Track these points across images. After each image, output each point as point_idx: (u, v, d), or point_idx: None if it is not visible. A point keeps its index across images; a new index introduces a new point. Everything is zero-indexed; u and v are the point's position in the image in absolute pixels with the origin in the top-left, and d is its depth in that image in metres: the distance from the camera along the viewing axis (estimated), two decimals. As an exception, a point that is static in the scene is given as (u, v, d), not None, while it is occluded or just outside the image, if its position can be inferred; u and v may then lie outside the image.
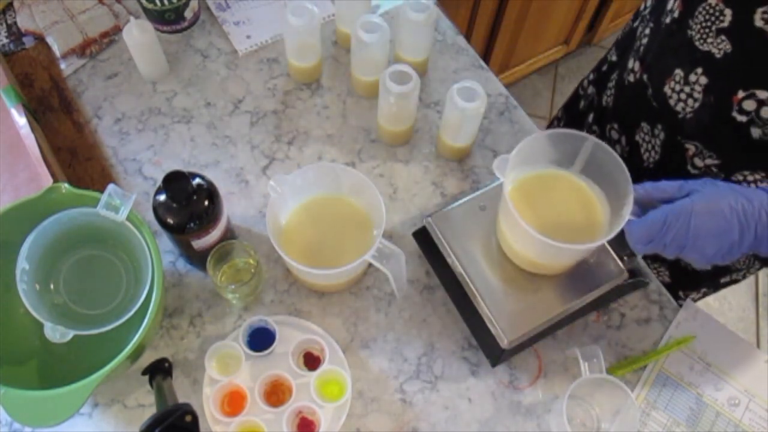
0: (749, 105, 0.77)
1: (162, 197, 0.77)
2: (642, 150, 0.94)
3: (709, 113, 0.81)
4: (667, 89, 0.86)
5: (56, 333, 0.72)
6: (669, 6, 0.83)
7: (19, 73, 1.03)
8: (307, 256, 0.84)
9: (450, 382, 0.84)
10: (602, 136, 1.02)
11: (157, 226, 0.79)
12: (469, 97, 0.88)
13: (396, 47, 1.03)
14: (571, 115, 1.18)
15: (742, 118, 0.78)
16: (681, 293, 1.06)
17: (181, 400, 0.71)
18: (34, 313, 0.72)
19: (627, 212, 0.71)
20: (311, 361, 0.84)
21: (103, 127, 1.00)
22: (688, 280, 1.04)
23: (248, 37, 1.08)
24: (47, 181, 0.84)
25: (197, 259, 0.85)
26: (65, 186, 0.78)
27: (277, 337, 0.83)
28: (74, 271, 0.82)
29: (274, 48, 1.07)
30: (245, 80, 1.04)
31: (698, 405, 0.85)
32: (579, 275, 0.82)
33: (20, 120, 0.90)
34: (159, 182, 0.76)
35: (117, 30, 1.06)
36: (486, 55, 1.90)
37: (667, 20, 0.83)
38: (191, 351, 0.85)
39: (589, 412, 0.83)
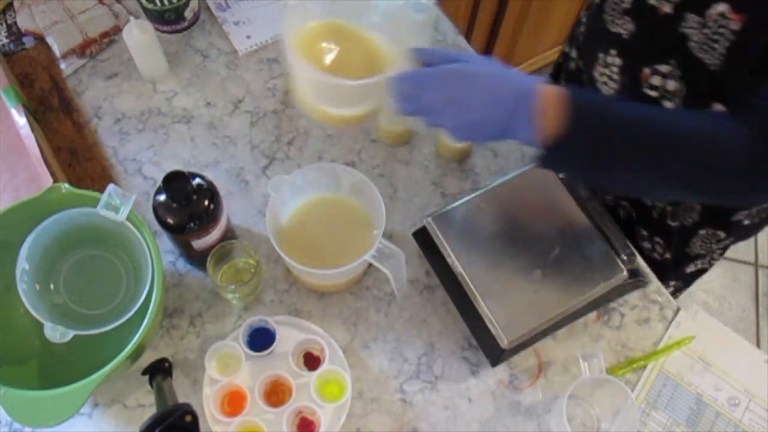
0: (656, 80, 0.80)
1: (162, 197, 0.77)
2: None
3: (627, 93, 0.85)
4: (595, 73, 0.91)
5: (56, 333, 0.72)
6: None
7: (19, 73, 1.03)
8: (307, 256, 0.84)
9: (450, 382, 0.84)
10: None
11: (157, 226, 0.79)
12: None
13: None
14: None
15: (654, 94, 0.82)
16: None
17: (181, 400, 0.71)
18: (34, 313, 0.72)
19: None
20: (311, 361, 0.84)
21: (103, 127, 1.00)
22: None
23: (248, 37, 1.08)
24: (47, 181, 0.84)
25: (197, 259, 0.85)
26: (65, 186, 0.78)
27: (277, 337, 0.83)
28: (74, 271, 0.82)
29: (274, 48, 1.07)
30: (245, 80, 1.04)
31: (698, 405, 0.85)
32: (579, 275, 0.82)
33: (20, 120, 0.90)
34: (159, 182, 0.76)
35: (117, 30, 1.06)
36: (486, 55, 1.90)
37: (594, 6, 0.88)
38: (191, 351, 0.85)
39: (589, 412, 0.83)
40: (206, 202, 0.78)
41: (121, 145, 0.98)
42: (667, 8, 0.74)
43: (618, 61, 0.85)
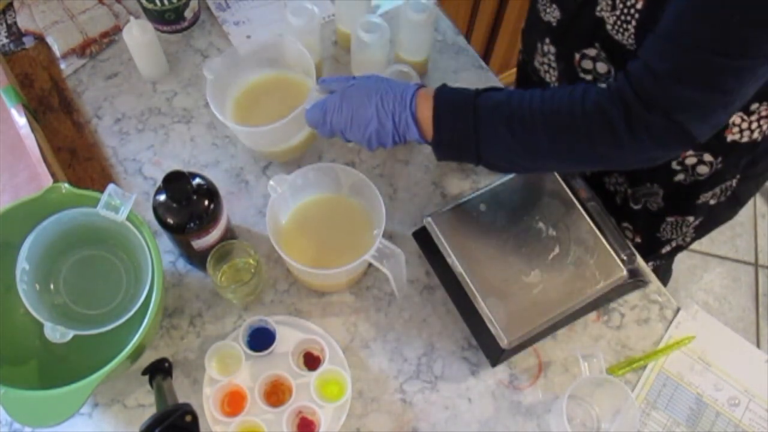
0: (587, 64, 0.84)
1: (162, 197, 0.77)
2: None
3: (566, 79, 0.89)
4: (536, 63, 0.96)
5: (56, 333, 0.72)
6: None
7: (19, 73, 1.03)
8: (307, 256, 0.84)
9: (450, 382, 0.84)
10: None
11: (157, 226, 0.79)
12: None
13: (396, 47, 1.03)
14: None
15: (588, 77, 0.85)
16: None
17: (181, 400, 0.71)
18: (34, 313, 0.72)
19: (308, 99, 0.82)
20: (311, 361, 0.84)
21: (103, 127, 1.00)
22: None
23: (248, 37, 1.08)
24: (47, 181, 0.84)
25: (197, 259, 0.85)
26: (65, 186, 0.78)
27: (277, 337, 0.83)
28: (74, 271, 0.82)
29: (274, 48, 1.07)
30: (245, 80, 1.04)
31: (698, 405, 0.85)
32: (579, 275, 0.82)
33: (20, 120, 0.90)
34: (159, 182, 0.76)
35: (117, 30, 1.06)
36: (486, 55, 1.90)
37: None
38: (191, 351, 0.85)
39: (589, 412, 0.83)
40: (206, 202, 0.78)
41: (121, 145, 0.98)
42: None
43: (553, 49, 0.89)
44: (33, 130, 0.89)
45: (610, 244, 0.83)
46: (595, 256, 0.83)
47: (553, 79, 0.92)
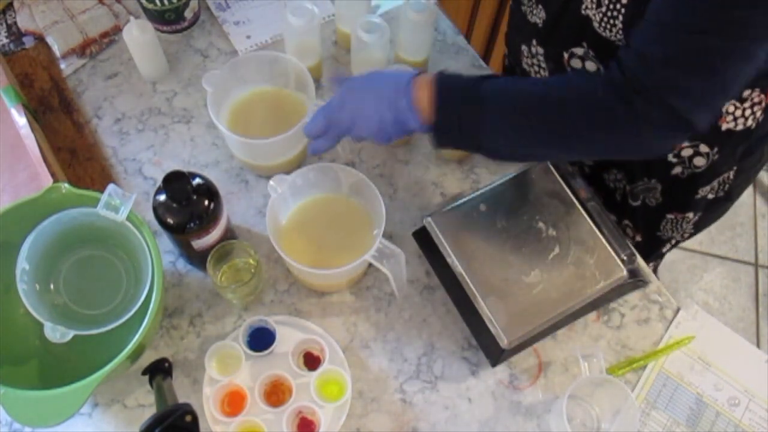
0: (576, 63, 0.84)
1: (162, 197, 0.77)
2: None
3: None
4: (524, 65, 0.95)
5: (56, 333, 0.72)
6: None
7: (19, 73, 1.03)
8: (307, 256, 0.84)
9: (450, 382, 0.84)
10: None
11: (157, 226, 0.79)
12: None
13: (396, 47, 1.03)
14: None
15: None
16: None
17: (181, 400, 0.71)
18: (34, 313, 0.72)
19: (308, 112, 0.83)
20: (311, 361, 0.84)
21: (103, 127, 1.00)
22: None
23: (248, 37, 1.08)
24: (47, 181, 0.84)
25: (197, 259, 0.85)
26: (65, 186, 0.78)
27: (277, 337, 0.83)
28: (74, 271, 0.82)
29: (274, 48, 1.07)
30: (245, 80, 1.04)
31: (698, 405, 0.85)
32: (579, 275, 0.82)
33: (20, 120, 0.90)
34: (159, 182, 0.76)
35: (117, 30, 1.06)
36: (486, 55, 1.90)
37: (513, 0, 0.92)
38: (191, 351, 0.85)
39: (589, 412, 0.83)
40: (206, 202, 0.78)
41: (121, 145, 0.98)
42: None
43: (540, 50, 0.89)
44: (33, 130, 0.89)
45: (610, 244, 0.83)
46: (595, 256, 0.83)
47: None
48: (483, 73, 0.79)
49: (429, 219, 0.85)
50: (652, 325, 0.89)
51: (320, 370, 0.81)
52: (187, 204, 0.77)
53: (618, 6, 0.71)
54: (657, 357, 0.86)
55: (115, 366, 0.70)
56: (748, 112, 0.82)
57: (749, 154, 0.90)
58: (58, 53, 1.04)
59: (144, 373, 0.78)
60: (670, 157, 0.89)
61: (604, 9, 0.73)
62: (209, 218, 0.79)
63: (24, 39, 1.06)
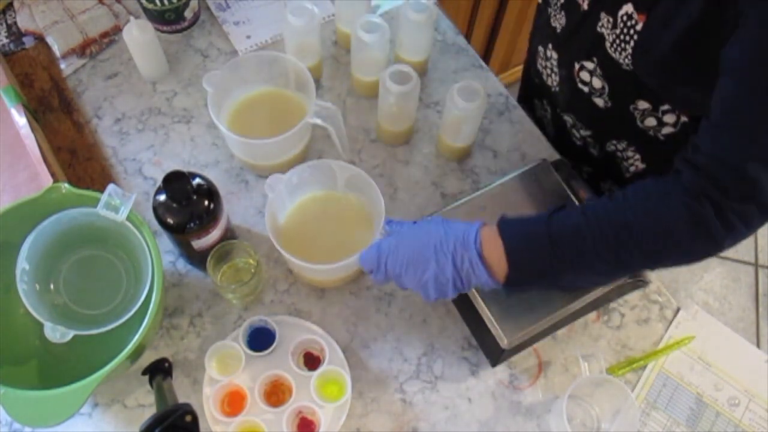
0: (585, 76, 0.83)
1: (162, 197, 0.77)
2: (544, 123, 1.04)
3: (566, 86, 0.89)
4: (539, 66, 0.95)
5: (56, 333, 0.72)
6: None
7: (19, 73, 1.03)
8: (307, 252, 0.84)
9: (450, 382, 0.84)
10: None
11: (157, 226, 0.79)
12: (469, 97, 0.88)
13: (396, 47, 1.03)
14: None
15: (585, 89, 0.84)
16: None
17: (181, 400, 0.71)
18: (34, 313, 0.72)
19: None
20: (311, 361, 0.84)
21: (103, 127, 1.00)
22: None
23: (248, 37, 1.08)
24: (47, 181, 0.84)
25: (197, 259, 0.85)
26: (65, 186, 0.78)
27: (277, 337, 0.83)
28: (74, 271, 0.82)
29: (274, 48, 1.07)
30: (245, 80, 1.04)
31: (698, 405, 0.85)
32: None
33: (20, 120, 0.90)
34: (159, 182, 0.76)
35: (117, 30, 1.06)
36: (486, 55, 1.90)
37: (542, 1, 0.91)
38: (191, 351, 0.85)
39: (589, 412, 0.83)
40: (206, 202, 0.78)
41: (121, 145, 0.98)
42: (585, 5, 0.77)
43: (555, 54, 0.88)
44: (33, 130, 0.89)
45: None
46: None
47: (555, 83, 0.92)
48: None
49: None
50: (652, 325, 0.89)
51: (320, 370, 0.81)
52: (187, 204, 0.77)
53: (632, 32, 0.70)
54: (657, 357, 0.86)
55: (115, 366, 0.70)
56: None
57: None
58: (58, 53, 1.04)
59: (144, 373, 0.78)
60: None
61: (618, 31, 0.72)
62: (209, 218, 0.79)
63: (24, 39, 1.06)
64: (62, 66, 1.04)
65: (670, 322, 0.89)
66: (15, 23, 1.06)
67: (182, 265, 0.90)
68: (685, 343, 0.87)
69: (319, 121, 0.87)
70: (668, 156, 0.68)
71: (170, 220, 0.77)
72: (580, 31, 0.80)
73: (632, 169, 0.89)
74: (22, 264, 0.74)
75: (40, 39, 1.05)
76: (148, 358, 0.80)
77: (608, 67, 0.78)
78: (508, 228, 0.69)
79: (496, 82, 1.06)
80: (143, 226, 0.77)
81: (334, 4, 1.10)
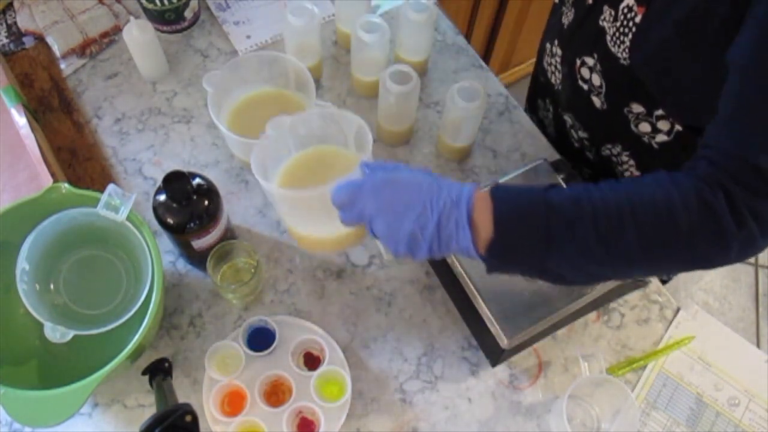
0: (585, 73, 0.83)
1: (162, 197, 0.77)
2: (546, 124, 1.04)
3: (568, 84, 0.88)
4: (545, 64, 0.96)
5: (56, 333, 0.72)
6: None
7: (19, 73, 1.03)
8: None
9: (450, 382, 0.84)
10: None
11: (157, 226, 0.79)
12: (469, 97, 0.88)
13: (396, 47, 1.03)
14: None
15: (585, 87, 0.84)
16: None
17: (181, 400, 0.71)
18: (34, 313, 0.72)
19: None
20: (311, 361, 0.84)
21: (103, 127, 1.00)
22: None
23: (248, 37, 1.08)
24: (47, 181, 0.84)
25: (197, 259, 0.85)
26: (65, 186, 0.78)
27: (277, 337, 0.83)
28: (74, 271, 0.82)
29: (274, 48, 1.07)
30: (245, 80, 1.04)
31: (698, 405, 0.85)
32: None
33: (20, 120, 0.90)
34: (159, 182, 0.76)
35: (117, 30, 1.06)
36: (486, 55, 1.90)
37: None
38: (191, 351, 0.85)
39: (589, 412, 0.83)
40: (206, 202, 0.78)
41: (121, 145, 0.98)
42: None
43: (559, 51, 0.88)
44: (33, 130, 0.89)
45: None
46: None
47: (558, 81, 0.92)
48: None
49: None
50: (652, 325, 0.89)
51: (320, 370, 0.81)
52: (187, 204, 0.77)
53: (630, 24, 0.71)
54: (657, 357, 0.86)
55: (115, 366, 0.70)
56: None
57: None
58: (58, 53, 1.04)
59: (144, 373, 0.78)
60: None
61: (618, 24, 0.73)
62: (209, 218, 0.79)
63: (24, 39, 1.06)
64: (62, 66, 1.04)
65: (670, 322, 0.89)
66: (15, 23, 1.06)
67: (182, 265, 0.90)
68: (685, 343, 0.87)
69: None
70: (663, 166, 0.64)
71: (170, 220, 0.77)
72: (584, 25, 0.80)
73: (627, 174, 0.89)
74: (22, 264, 0.74)
75: (40, 39, 1.05)
76: (148, 358, 0.80)
77: (607, 63, 0.78)
78: (501, 192, 0.62)
79: (496, 82, 1.06)
80: (143, 226, 0.77)
81: (334, 4, 1.10)
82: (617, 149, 0.87)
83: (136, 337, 0.72)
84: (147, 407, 0.81)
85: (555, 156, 0.98)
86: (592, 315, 0.88)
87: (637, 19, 0.70)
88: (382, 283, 0.89)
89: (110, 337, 0.75)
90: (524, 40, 1.93)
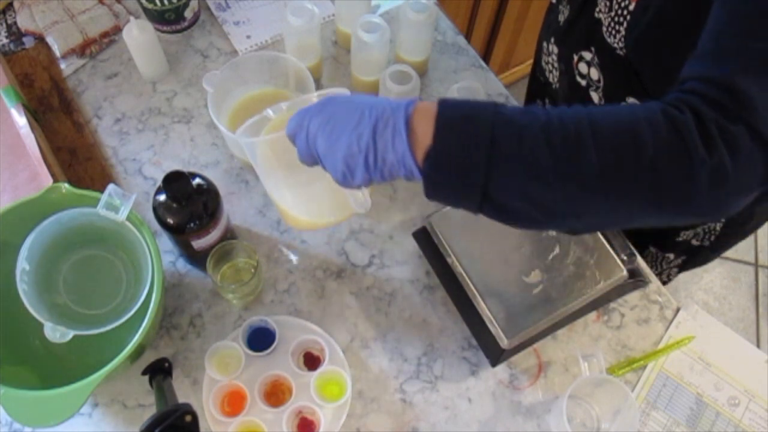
0: (583, 68, 0.82)
1: (162, 197, 0.77)
2: None
3: (565, 82, 0.88)
4: (543, 63, 0.95)
5: (56, 333, 0.72)
6: None
7: (19, 73, 1.03)
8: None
9: (450, 382, 0.84)
10: None
11: (157, 226, 0.79)
12: (469, 96, 0.88)
13: (396, 47, 1.03)
14: None
15: (583, 83, 0.84)
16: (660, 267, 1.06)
17: (181, 400, 0.71)
18: (34, 313, 0.72)
19: None
20: (311, 361, 0.84)
21: (103, 127, 1.00)
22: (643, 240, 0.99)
23: (248, 37, 1.08)
24: (47, 181, 0.84)
25: (197, 259, 0.85)
26: (65, 186, 0.78)
27: (277, 337, 0.83)
28: (74, 271, 0.82)
29: (274, 48, 1.07)
30: (245, 80, 1.04)
31: (698, 405, 0.85)
32: (579, 275, 0.82)
33: (20, 120, 0.90)
34: (159, 182, 0.76)
35: (117, 30, 1.06)
36: (486, 55, 1.90)
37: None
38: (191, 351, 0.85)
39: (589, 412, 0.83)
40: (206, 202, 0.78)
41: (121, 145, 0.98)
42: None
43: (556, 49, 0.88)
44: (33, 130, 0.89)
45: (610, 244, 0.83)
46: (595, 256, 0.83)
47: (556, 79, 0.92)
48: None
49: (429, 219, 0.85)
50: (652, 325, 0.89)
51: (320, 370, 0.81)
52: (187, 204, 0.77)
53: (625, 12, 0.71)
54: (657, 357, 0.86)
55: (115, 366, 0.70)
56: None
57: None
58: (58, 53, 1.04)
59: (144, 373, 0.78)
60: None
61: (612, 13, 0.73)
62: (209, 218, 0.79)
63: (24, 39, 1.06)
64: (62, 66, 1.04)
65: (670, 322, 0.89)
66: (15, 23, 1.06)
67: (182, 265, 0.90)
68: (685, 343, 0.87)
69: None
70: None
71: (170, 220, 0.77)
72: (579, 20, 0.81)
73: None
74: (22, 264, 0.74)
75: (40, 39, 1.05)
76: (148, 358, 0.80)
77: (604, 56, 0.78)
78: (449, 100, 0.55)
79: (496, 82, 1.06)
80: (143, 226, 0.77)
81: (334, 4, 1.10)
82: None
83: (136, 337, 0.72)
84: (147, 407, 0.81)
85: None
86: (592, 315, 0.88)
87: (631, 7, 0.70)
88: (382, 283, 0.89)
89: (110, 337, 0.75)
90: (524, 40, 1.93)
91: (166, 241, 0.88)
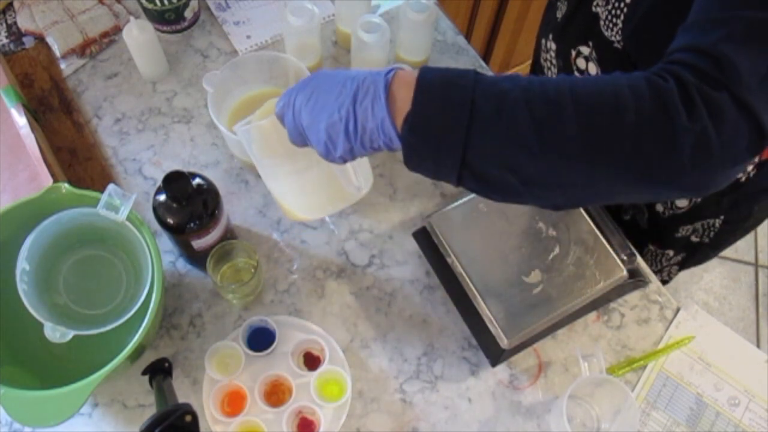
0: (581, 63, 0.82)
1: (162, 197, 0.77)
2: None
3: None
4: (541, 60, 0.95)
5: (56, 333, 0.72)
6: None
7: (19, 73, 1.03)
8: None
9: (450, 382, 0.84)
10: None
11: (157, 226, 0.79)
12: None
13: (396, 47, 1.03)
14: None
15: None
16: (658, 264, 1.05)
17: (181, 400, 0.71)
18: (34, 313, 0.72)
19: None
20: (311, 361, 0.84)
21: (103, 127, 1.00)
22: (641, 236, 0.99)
23: (248, 37, 1.08)
24: (47, 181, 0.84)
25: (197, 259, 0.85)
26: (65, 186, 0.78)
27: (277, 337, 0.83)
28: (74, 271, 0.82)
29: (274, 48, 1.07)
30: (245, 80, 1.04)
31: (698, 405, 0.85)
32: (579, 275, 0.82)
33: (20, 120, 0.90)
34: (159, 182, 0.76)
35: (117, 30, 1.06)
36: (486, 55, 1.90)
37: None
38: (191, 351, 0.85)
39: (589, 412, 0.83)
40: (206, 202, 0.78)
41: (121, 145, 0.98)
42: None
43: (554, 45, 0.88)
44: (33, 130, 0.89)
45: (610, 244, 0.83)
46: (595, 256, 0.83)
47: (553, 76, 0.92)
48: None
49: (429, 219, 0.85)
50: (652, 325, 0.89)
51: (320, 370, 0.81)
52: (187, 204, 0.77)
53: (621, 5, 0.71)
54: (657, 357, 0.86)
55: (115, 366, 0.70)
56: None
57: (735, 207, 0.89)
58: (58, 53, 1.04)
59: (144, 373, 0.78)
60: None
61: (609, 6, 0.73)
62: (209, 218, 0.79)
63: (24, 39, 1.06)
64: (62, 66, 1.04)
65: (670, 322, 0.89)
66: (15, 23, 1.06)
67: (182, 265, 0.90)
68: (685, 343, 0.87)
69: None
70: None
71: (170, 220, 0.77)
72: (577, 14, 0.81)
73: None
74: (22, 264, 0.74)
75: (40, 39, 1.05)
76: (148, 358, 0.80)
77: (602, 50, 0.78)
78: (430, 67, 0.55)
79: (496, 82, 1.06)
80: (143, 226, 0.77)
81: (334, 4, 1.10)
82: None
83: (136, 337, 0.72)
84: (147, 407, 0.81)
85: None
86: (592, 315, 0.88)
87: (628, 0, 0.70)
88: (382, 283, 0.89)
89: (110, 337, 0.75)
90: (524, 39, 1.93)
91: (166, 241, 0.88)
